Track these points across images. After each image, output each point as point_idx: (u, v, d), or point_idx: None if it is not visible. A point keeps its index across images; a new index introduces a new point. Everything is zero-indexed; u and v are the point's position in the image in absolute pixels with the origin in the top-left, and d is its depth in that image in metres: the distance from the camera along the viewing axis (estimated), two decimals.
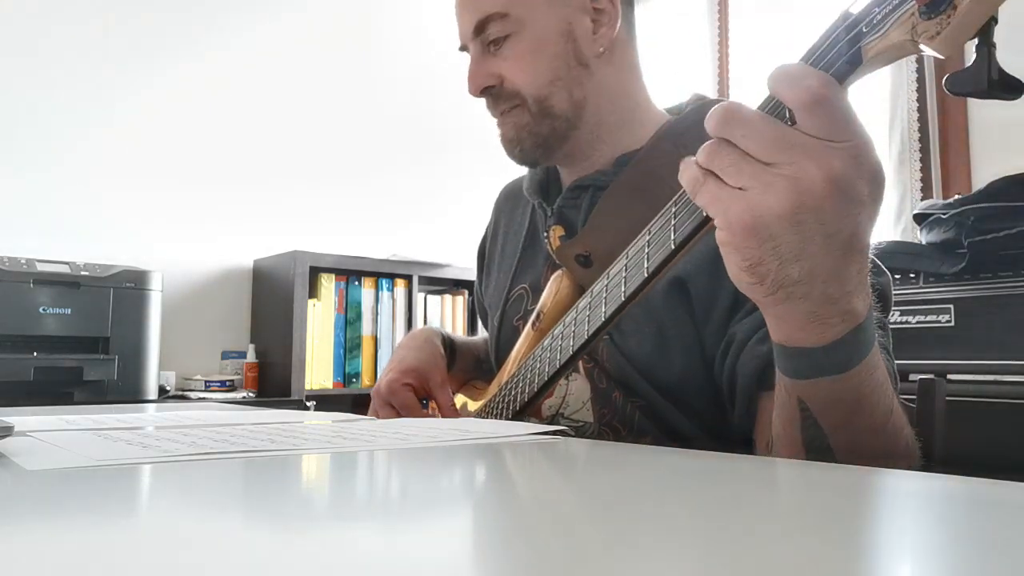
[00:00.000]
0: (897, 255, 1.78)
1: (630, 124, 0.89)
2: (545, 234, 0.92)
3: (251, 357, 2.42)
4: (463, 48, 0.91)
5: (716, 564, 0.24)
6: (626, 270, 0.64)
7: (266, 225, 2.57)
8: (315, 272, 2.43)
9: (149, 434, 0.59)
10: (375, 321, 2.54)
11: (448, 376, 0.98)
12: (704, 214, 0.53)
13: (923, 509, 0.36)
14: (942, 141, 2.40)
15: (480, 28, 0.87)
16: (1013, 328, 1.57)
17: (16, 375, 1.84)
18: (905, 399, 0.64)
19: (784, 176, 0.46)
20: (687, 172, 0.52)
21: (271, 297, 2.47)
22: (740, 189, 0.48)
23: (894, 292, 0.77)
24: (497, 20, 0.85)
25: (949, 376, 1.60)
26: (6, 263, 1.88)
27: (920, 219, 1.87)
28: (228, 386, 2.30)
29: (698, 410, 0.78)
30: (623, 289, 0.64)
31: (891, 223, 2.35)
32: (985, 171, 2.21)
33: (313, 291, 2.43)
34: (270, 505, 0.36)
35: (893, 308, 0.76)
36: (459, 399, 1.02)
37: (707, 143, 0.50)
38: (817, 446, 0.56)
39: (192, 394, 2.24)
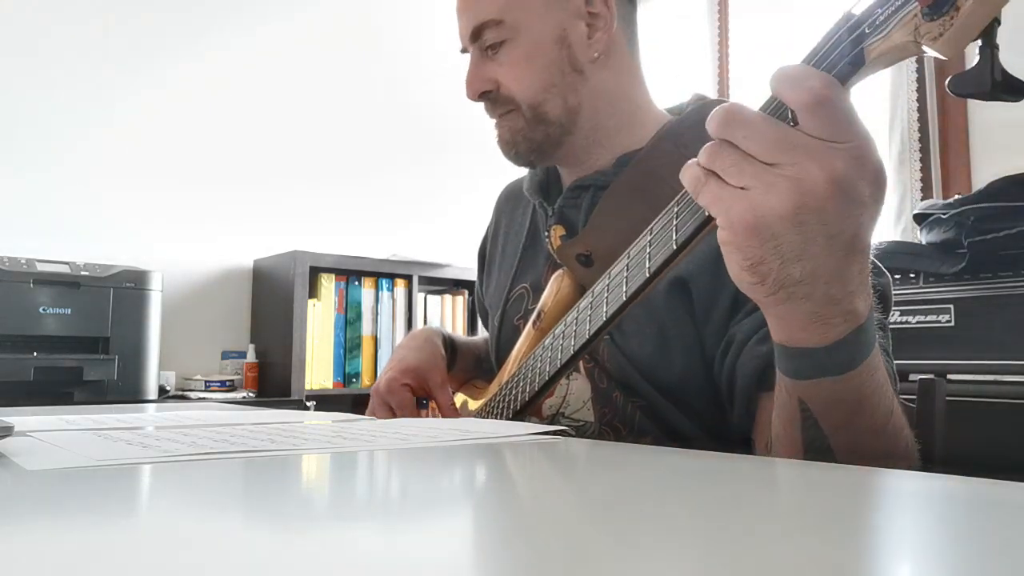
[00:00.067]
0: (897, 255, 1.78)
1: (629, 126, 0.89)
2: (546, 234, 0.92)
3: (251, 357, 2.42)
4: (464, 50, 0.91)
5: (716, 564, 0.24)
6: (627, 270, 0.64)
7: (266, 225, 2.57)
8: (315, 272, 2.43)
9: (149, 434, 0.59)
10: (375, 321, 2.54)
11: (448, 376, 0.98)
12: (706, 214, 0.54)
13: (923, 509, 0.36)
14: (942, 141, 2.40)
15: (477, 34, 0.87)
16: (1013, 328, 1.57)
17: (16, 375, 1.84)
18: (905, 399, 0.64)
19: (786, 176, 0.46)
20: (688, 172, 0.52)
21: (271, 297, 2.47)
22: (742, 189, 0.48)
23: (894, 292, 0.77)
24: (492, 27, 0.86)
25: (949, 376, 1.60)
26: (6, 263, 1.88)
27: (920, 219, 1.87)
28: (228, 386, 2.30)
29: (698, 410, 0.78)
30: (624, 289, 0.64)
31: (891, 223, 2.36)
32: (985, 171, 2.21)
33: (313, 291, 2.43)
34: (270, 505, 0.36)
35: (893, 308, 0.76)
36: (459, 398, 1.02)
37: (709, 144, 0.50)
38: (817, 447, 0.56)
39: (192, 394, 2.24)
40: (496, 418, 0.88)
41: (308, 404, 2.28)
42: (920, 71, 2.43)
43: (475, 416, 0.96)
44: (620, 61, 0.89)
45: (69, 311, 1.92)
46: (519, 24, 0.85)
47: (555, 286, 0.85)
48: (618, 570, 0.23)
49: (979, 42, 0.43)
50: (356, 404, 2.45)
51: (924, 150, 2.41)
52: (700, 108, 0.88)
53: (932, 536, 0.31)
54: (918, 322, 1.71)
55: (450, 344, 1.04)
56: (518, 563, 0.25)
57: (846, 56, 0.47)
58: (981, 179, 2.17)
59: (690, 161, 0.52)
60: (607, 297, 0.68)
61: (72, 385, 1.92)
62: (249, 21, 2.59)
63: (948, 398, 0.82)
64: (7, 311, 1.86)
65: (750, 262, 0.49)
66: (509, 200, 1.09)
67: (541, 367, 0.79)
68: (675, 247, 0.58)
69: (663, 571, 0.24)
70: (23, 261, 1.91)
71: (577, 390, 0.84)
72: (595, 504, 0.36)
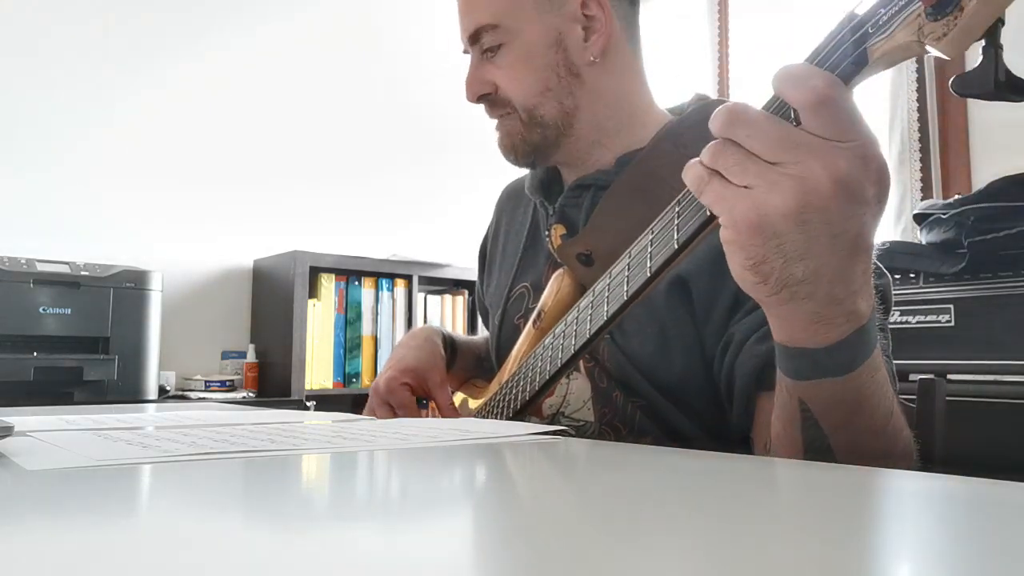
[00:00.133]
0: (897, 255, 1.78)
1: (629, 127, 0.89)
2: (546, 233, 0.92)
3: (251, 357, 2.42)
4: (466, 50, 0.91)
5: (716, 564, 0.24)
6: (628, 269, 0.64)
7: (266, 225, 2.57)
8: (315, 272, 2.43)
9: (149, 434, 0.59)
10: (375, 321, 2.54)
11: (448, 375, 0.98)
12: (708, 213, 0.54)
13: (923, 509, 0.36)
14: (942, 141, 2.40)
15: (475, 37, 0.88)
16: (1013, 328, 1.57)
17: (16, 375, 1.84)
18: (905, 399, 0.64)
19: (790, 176, 0.46)
20: (691, 171, 0.52)
21: (271, 297, 2.47)
22: (745, 188, 0.48)
23: (894, 292, 0.77)
24: (489, 30, 0.86)
25: (949, 376, 1.60)
26: (6, 263, 1.88)
27: (920, 219, 1.87)
28: (228, 386, 2.30)
29: (699, 410, 0.78)
30: (625, 288, 0.64)
31: (891, 223, 2.36)
32: (985, 171, 2.21)
33: (313, 291, 2.43)
34: (270, 505, 0.36)
35: (893, 308, 0.76)
36: (459, 398, 1.02)
37: (712, 143, 0.50)
38: (817, 447, 0.56)
39: (192, 394, 2.24)
40: (496, 417, 0.88)
41: (308, 404, 2.28)
42: (920, 71, 2.43)
43: (475, 415, 0.96)
44: (619, 63, 0.89)
45: (69, 311, 1.92)
46: (514, 28, 0.86)
47: (555, 285, 0.85)
48: (618, 570, 0.23)
49: (983, 42, 0.43)
50: (356, 404, 2.45)
51: (924, 150, 2.41)
52: (701, 108, 0.88)
53: (932, 536, 0.31)
54: (918, 322, 1.71)
55: (450, 343, 1.04)
56: (518, 563, 0.25)
57: (849, 56, 0.47)
58: (981, 179, 2.17)
59: (692, 160, 0.52)
60: (608, 296, 0.68)
61: (72, 385, 1.92)
62: (249, 21, 2.59)
63: (948, 398, 0.82)
64: (7, 311, 1.86)
65: (753, 261, 0.49)
66: (510, 199, 1.09)
67: (541, 366, 0.79)
68: (676, 247, 0.58)
69: (663, 571, 0.24)
70: (23, 261, 1.91)
71: (577, 390, 0.84)
72: (595, 504, 0.36)
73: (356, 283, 2.52)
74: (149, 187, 2.37)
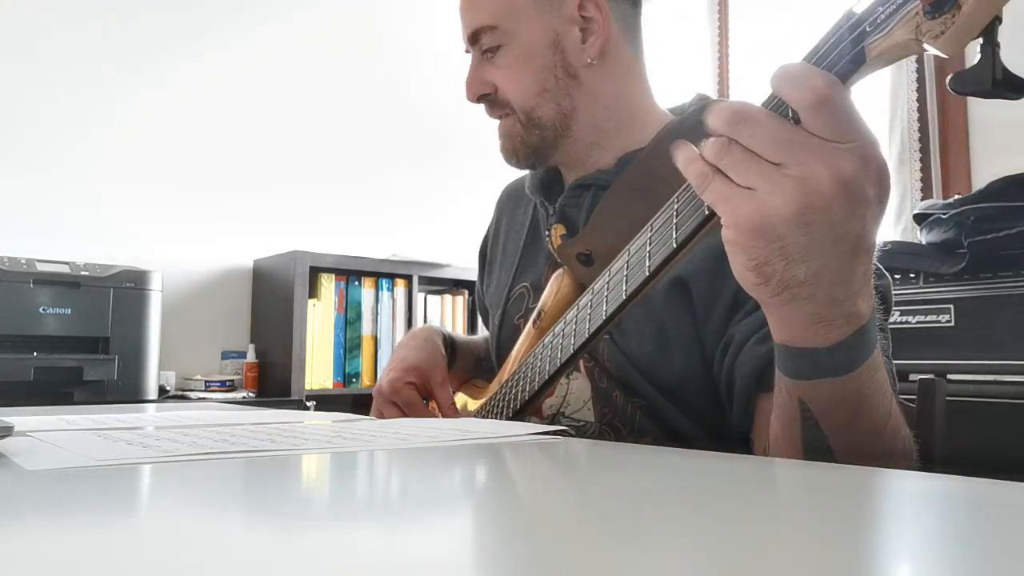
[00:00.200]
0: (897, 255, 1.78)
1: (630, 127, 0.89)
2: (547, 233, 0.92)
3: (251, 357, 2.42)
4: (467, 50, 0.92)
5: (716, 564, 0.24)
6: (627, 268, 0.64)
7: (266, 225, 2.57)
8: (315, 272, 2.43)
9: (149, 434, 0.59)
10: (375, 321, 2.54)
11: (449, 375, 0.98)
12: (707, 212, 0.54)
13: (923, 509, 0.36)
14: (942, 141, 2.40)
15: (475, 38, 0.88)
16: (1013, 328, 1.57)
17: (16, 375, 1.84)
18: (905, 399, 0.64)
19: (792, 177, 0.46)
20: (693, 166, 0.51)
21: (271, 297, 2.47)
22: (748, 189, 0.48)
23: (894, 292, 0.77)
24: (488, 31, 0.87)
25: (949, 376, 1.60)
26: (6, 263, 1.88)
27: (920, 219, 1.87)
28: (228, 386, 2.30)
29: (698, 410, 0.78)
30: (624, 288, 0.64)
31: (891, 223, 2.36)
32: (985, 171, 2.21)
33: (313, 291, 2.43)
34: (270, 505, 0.36)
35: (893, 308, 0.76)
36: (459, 398, 1.02)
37: (715, 139, 0.50)
38: (817, 447, 0.56)
39: (192, 394, 2.24)
40: (496, 417, 0.88)
41: (308, 404, 2.28)
42: (920, 71, 2.43)
43: (475, 415, 0.96)
44: (618, 64, 0.89)
45: (69, 311, 1.92)
46: (513, 29, 0.86)
47: (555, 285, 0.85)
48: (618, 570, 0.23)
49: (980, 40, 0.43)
50: (356, 404, 2.45)
51: (924, 150, 2.41)
52: (702, 108, 0.88)
53: (932, 536, 0.31)
54: (918, 322, 1.71)
55: (450, 343, 1.04)
56: (518, 563, 0.25)
57: (847, 54, 0.47)
58: (981, 179, 2.17)
59: (691, 152, 0.52)
60: (607, 295, 0.68)
61: (72, 385, 1.92)
62: (249, 21, 2.59)
63: (948, 398, 0.82)
64: (7, 311, 1.86)
65: (755, 262, 0.49)
66: (511, 199, 1.09)
67: (541, 366, 0.79)
68: (675, 245, 0.58)
69: (663, 571, 0.24)
70: (23, 261, 1.91)
71: (577, 390, 0.84)
72: (595, 504, 0.36)
73: (356, 283, 2.52)
74: (149, 187, 2.37)
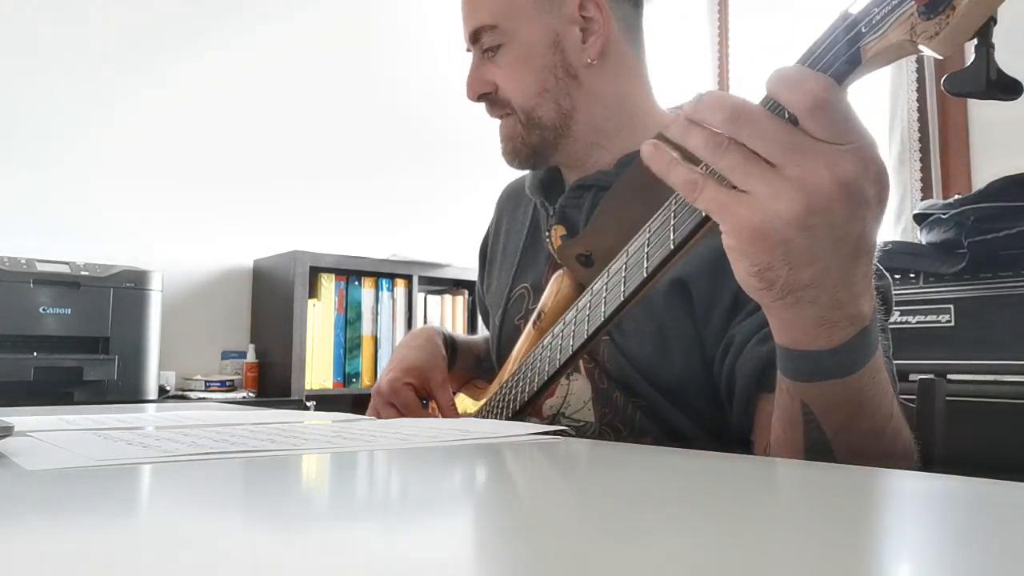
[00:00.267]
0: (897, 255, 1.78)
1: (630, 128, 0.89)
2: (547, 233, 0.92)
3: (251, 357, 2.42)
4: (469, 50, 0.92)
5: (716, 564, 0.24)
6: (626, 269, 0.64)
7: (266, 225, 2.57)
8: (315, 272, 2.43)
9: (149, 434, 0.59)
10: (375, 321, 2.54)
11: (449, 375, 0.98)
12: (703, 214, 0.53)
13: (923, 509, 0.36)
14: (942, 141, 2.40)
15: (475, 37, 0.88)
16: (1013, 328, 1.57)
17: (16, 375, 1.84)
18: (905, 399, 0.64)
19: (792, 179, 0.46)
20: (677, 174, 0.51)
21: (271, 297, 2.47)
22: (745, 193, 0.48)
23: (894, 292, 0.77)
24: (488, 31, 0.87)
25: (949, 376, 1.60)
26: (6, 263, 1.88)
27: (920, 219, 1.87)
28: (228, 386, 2.30)
29: (698, 410, 0.78)
30: (623, 289, 0.64)
31: (891, 223, 2.36)
32: (985, 171, 2.21)
33: (313, 291, 2.43)
34: (270, 505, 0.36)
35: (893, 308, 0.76)
36: (460, 398, 1.02)
37: (711, 139, 0.49)
38: (819, 448, 0.56)
39: (192, 394, 2.24)
40: (496, 418, 0.88)
41: (308, 404, 2.28)
42: (920, 71, 2.43)
43: (475, 416, 0.96)
44: (619, 65, 0.89)
45: (69, 311, 1.92)
46: (513, 29, 0.86)
47: (555, 286, 0.85)
48: (618, 570, 0.23)
49: (975, 41, 0.43)
50: (356, 404, 2.45)
51: (924, 150, 2.41)
52: None
53: (932, 536, 0.31)
54: (918, 322, 1.71)
55: (450, 343, 1.04)
56: (518, 563, 0.25)
57: (842, 56, 0.47)
58: (981, 179, 2.17)
59: (669, 156, 0.51)
60: (606, 297, 0.68)
61: (72, 385, 1.92)
62: (249, 21, 2.59)
63: (948, 398, 0.82)
64: (7, 311, 1.86)
65: (758, 268, 0.49)
66: (511, 199, 1.09)
67: (541, 366, 0.79)
68: (672, 247, 0.58)
69: (663, 571, 0.24)
70: (23, 261, 1.91)
71: (578, 390, 0.84)
72: (595, 504, 0.36)
73: (356, 283, 2.52)
74: (149, 187, 2.36)
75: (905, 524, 0.33)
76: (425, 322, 2.62)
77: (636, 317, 0.78)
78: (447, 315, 2.71)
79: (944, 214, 1.76)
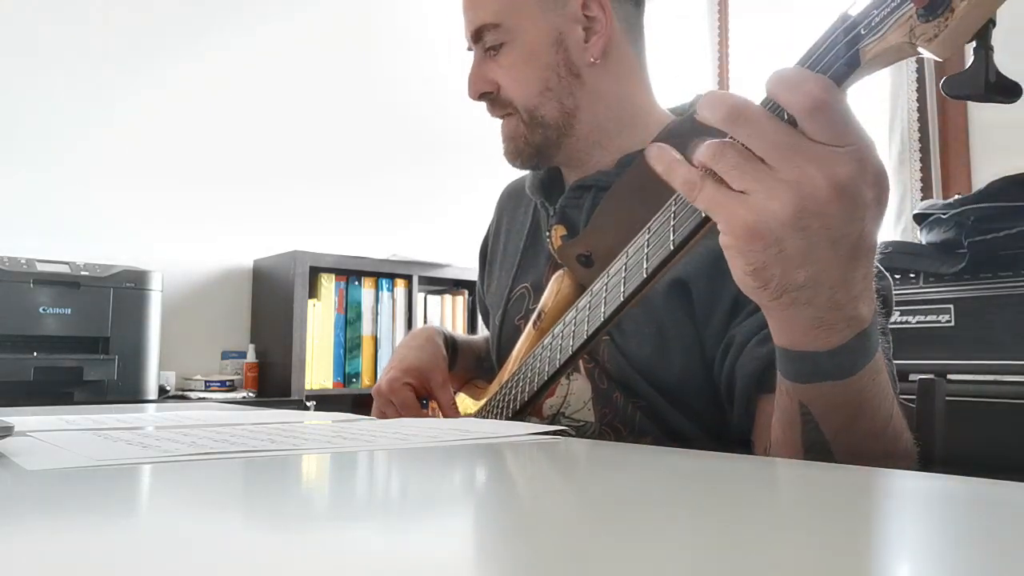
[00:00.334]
0: (897, 255, 1.78)
1: (631, 128, 0.89)
2: (547, 233, 0.92)
3: (251, 357, 2.42)
4: (470, 48, 0.92)
5: (716, 564, 0.24)
6: (626, 269, 0.64)
7: (266, 225, 2.57)
8: (315, 272, 2.43)
9: (149, 434, 0.59)
10: (375, 321, 2.54)
11: (450, 375, 0.98)
12: (703, 215, 0.53)
13: (923, 509, 0.36)
14: (942, 141, 2.40)
15: (477, 35, 0.88)
16: (1013, 328, 1.57)
17: (16, 375, 1.84)
18: (905, 399, 0.64)
19: (787, 181, 0.46)
20: (679, 172, 0.51)
21: (271, 297, 2.47)
22: (742, 193, 0.48)
23: (894, 292, 0.77)
24: (491, 29, 0.87)
25: (949, 376, 1.60)
26: (6, 263, 1.88)
27: (920, 219, 1.87)
28: (228, 386, 2.30)
29: (698, 411, 0.78)
30: (622, 289, 0.64)
31: (891, 223, 2.36)
32: (985, 171, 2.21)
33: (313, 291, 2.43)
34: (270, 505, 0.36)
35: (893, 309, 0.76)
36: (460, 398, 1.02)
37: (709, 143, 0.50)
38: (818, 450, 0.56)
39: (192, 394, 2.24)
40: (496, 418, 0.88)
41: (308, 404, 2.28)
42: (920, 71, 2.43)
43: (475, 415, 0.96)
44: (622, 63, 0.89)
45: (69, 311, 1.92)
46: (516, 28, 0.86)
47: (555, 286, 0.85)
48: (618, 570, 0.23)
49: (974, 43, 0.43)
50: (356, 404, 2.45)
51: (924, 150, 2.41)
52: None
53: (932, 536, 0.31)
54: (918, 322, 1.71)
55: (451, 343, 1.04)
56: (518, 563, 0.25)
57: (842, 57, 0.47)
58: (981, 179, 2.17)
59: (672, 157, 0.51)
60: (605, 297, 0.68)
61: (72, 385, 1.92)
62: (249, 21, 2.59)
63: (948, 398, 0.82)
64: (7, 311, 1.86)
65: (753, 267, 0.49)
66: (511, 199, 1.09)
67: (541, 366, 0.79)
68: (672, 248, 0.58)
69: (663, 571, 0.24)
70: (23, 261, 1.91)
71: (578, 390, 0.84)
72: (595, 504, 0.36)
73: (356, 283, 2.52)
74: (149, 187, 2.37)
75: (905, 524, 0.33)
76: (425, 322, 2.62)
77: (636, 317, 0.78)
78: (447, 315, 2.71)
79: (944, 214, 1.76)
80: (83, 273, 1.96)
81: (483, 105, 0.92)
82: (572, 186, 0.92)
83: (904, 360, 1.57)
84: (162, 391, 2.15)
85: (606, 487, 0.41)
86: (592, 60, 0.86)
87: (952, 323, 1.66)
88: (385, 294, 2.56)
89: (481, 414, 0.94)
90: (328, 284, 2.46)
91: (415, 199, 2.88)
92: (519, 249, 1.00)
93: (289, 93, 2.64)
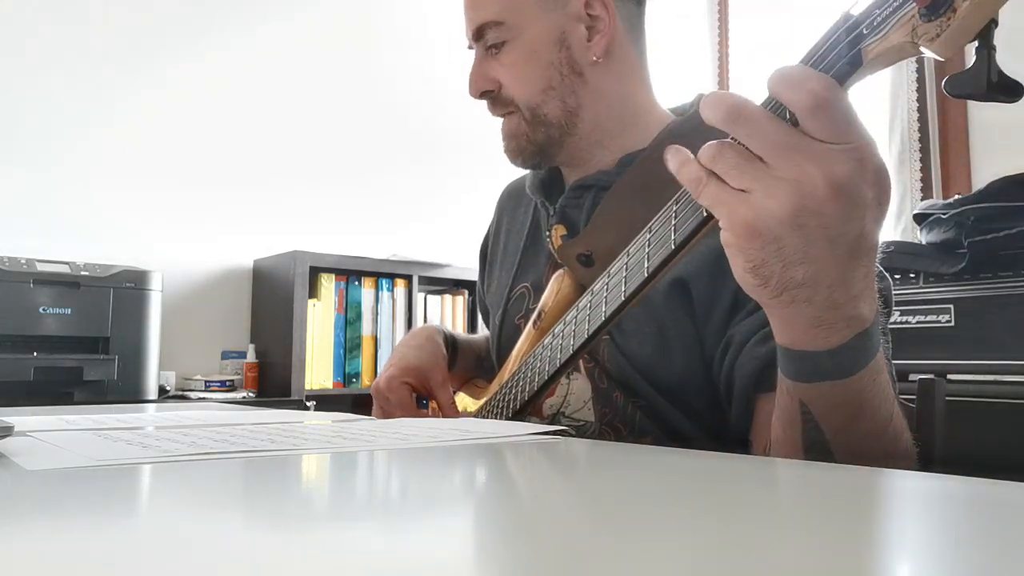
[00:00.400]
0: (897, 255, 1.78)
1: (632, 127, 0.89)
2: (547, 233, 0.92)
3: (251, 357, 2.42)
4: (471, 46, 0.91)
5: (716, 564, 0.24)
6: (627, 269, 0.64)
7: (266, 225, 2.57)
8: (315, 272, 2.43)
9: (149, 434, 0.59)
10: (375, 321, 2.54)
11: (450, 374, 0.98)
12: (704, 214, 0.54)
13: (923, 509, 0.36)
14: (942, 141, 2.40)
15: (479, 33, 0.88)
16: (1013, 328, 1.57)
17: (16, 375, 1.84)
18: (905, 399, 0.64)
19: (786, 179, 0.46)
20: (687, 170, 0.51)
21: (271, 297, 2.47)
22: (742, 191, 0.48)
23: (894, 292, 0.77)
24: (493, 27, 0.86)
25: (949, 376, 1.60)
26: (6, 263, 1.88)
27: (920, 219, 1.87)
28: (228, 386, 2.30)
29: (698, 410, 0.78)
30: (623, 289, 0.64)
31: (891, 223, 2.36)
32: (985, 171, 2.21)
33: (313, 291, 2.43)
34: (270, 505, 0.36)
35: (893, 309, 0.76)
36: (460, 397, 1.02)
37: (709, 143, 0.50)
38: (817, 449, 0.56)
39: (192, 394, 2.24)
40: (496, 417, 0.88)
41: (308, 404, 2.28)
42: (920, 71, 2.44)
43: (475, 415, 0.96)
44: (624, 63, 0.89)
45: (69, 311, 1.92)
46: (518, 26, 0.86)
47: (556, 286, 0.85)
48: (618, 570, 0.23)
49: (976, 43, 0.43)
50: (356, 404, 2.45)
51: (924, 150, 2.41)
52: None
53: (932, 536, 0.31)
54: (918, 322, 1.71)
55: (451, 342, 1.04)
56: (518, 563, 0.25)
57: (844, 57, 0.47)
58: (981, 179, 2.17)
59: (686, 156, 0.52)
60: (606, 296, 0.68)
61: (72, 385, 1.92)
62: (249, 21, 2.59)
63: (948, 398, 0.82)
64: (7, 311, 1.85)
65: (752, 264, 0.49)
66: (511, 198, 1.09)
67: (541, 366, 0.79)
68: (674, 246, 0.58)
69: (663, 571, 0.24)
70: (23, 261, 1.91)
71: (578, 390, 0.84)
72: (595, 504, 0.36)
73: (356, 283, 2.52)
74: (149, 187, 2.36)
75: (905, 524, 0.33)
76: (425, 322, 2.62)
77: (636, 317, 0.78)
78: (447, 315, 2.71)
79: (944, 214, 1.76)
80: (83, 273, 1.96)
81: (483, 104, 0.91)
82: (572, 186, 0.92)
83: (904, 360, 1.58)
84: (162, 391, 2.15)
85: (606, 487, 0.41)
86: (595, 59, 0.86)
87: (952, 323, 1.66)
88: (385, 294, 2.56)
89: (481, 414, 0.94)
90: (328, 284, 2.46)
91: (415, 199, 2.88)
92: (519, 249, 1.00)
93: (289, 93, 2.64)
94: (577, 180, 0.91)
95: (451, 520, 0.33)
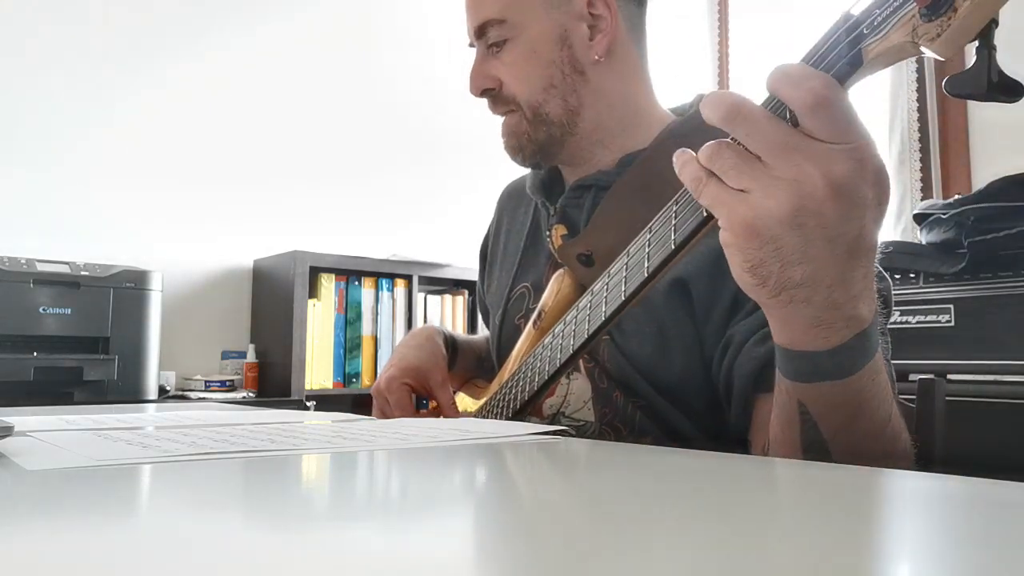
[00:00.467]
0: (897, 255, 1.78)
1: (633, 127, 0.89)
2: (547, 233, 0.92)
3: (251, 357, 2.42)
4: (472, 44, 0.91)
5: (716, 564, 0.24)
6: (627, 269, 0.64)
7: (266, 225, 2.57)
8: (315, 272, 2.43)
9: (149, 434, 0.59)
10: (375, 321, 2.54)
11: (450, 375, 0.98)
12: (704, 214, 0.54)
13: (923, 509, 0.36)
14: (942, 141, 2.40)
15: (481, 31, 0.88)
16: (1013, 328, 1.57)
17: (16, 375, 1.84)
18: (905, 399, 0.64)
19: (784, 179, 0.46)
20: (688, 170, 0.52)
21: (271, 297, 2.47)
22: (741, 191, 0.48)
23: (894, 292, 0.77)
24: (495, 25, 0.86)
25: (949, 376, 1.60)
26: (6, 263, 1.88)
27: (920, 219, 1.87)
28: (228, 386, 2.30)
29: (698, 410, 0.78)
30: (623, 288, 0.64)
31: (891, 223, 2.36)
32: (985, 171, 2.21)
33: (313, 291, 2.43)
34: (270, 505, 0.36)
35: (893, 309, 0.76)
36: (460, 397, 1.02)
37: (709, 143, 0.50)
38: (816, 449, 0.56)
39: (192, 394, 2.24)
40: (496, 417, 0.88)
41: (308, 404, 2.28)
42: (920, 71, 2.44)
43: (475, 415, 0.96)
44: (624, 63, 0.89)
45: (69, 311, 1.92)
46: (520, 24, 0.86)
47: (556, 286, 0.85)
48: (618, 570, 0.23)
49: (976, 43, 0.43)
50: (356, 404, 2.45)
51: (924, 150, 2.41)
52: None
53: (932, 536, 0.31)
54: (918, 322, 1.71)
55: (451, 343, 1.04)
56: (518, 563, 0.25)
57: (844, 56, 0.47)
58: (981, 179, 2.17)
59: (689, 156, 0.52)
60: (606, 296, 0.68)
61: (72, 385, 1.92)
62: (249, 21, 2.59)
63: (948, 398, 0.82)
64: (7, 311, 1.85)
65: (751, 264, 0.49)
66: (511, 198, 1.09)
67: (541, 366, 0.79)
68: (674, 246, 0.58)
69: (663, 571, 0.24)
70: (23, 261, 1.91)
71: (578, 390, 0.84)
72: (595, 504, 0.36)
73: (356, 283, 2.52)
74: (149, 187, 2.36)
75: (905, 524, 0.33)
76: (425, 322, 2.62)
77: (636, 317, 0.78)
78: (447, 315, 2.71)
79: (944, 214, 1.76)
80: (83, 273, 1.96)
81: (484, 104, 0.91)
82: (572, 185, 0.92)
83: (904, 360, 1.58)
84: (162, 391, 2.15)
85: (606, 487, 0.41)
86: (596, 58, 0.86)
87: (952, 323, 1.66)
88: (385, 294, 2.56)
89: (481, 413, 0.94)
90: (328, 284, 2.46)
91: (415, 199, 2.88)
92: (519, 249, 1.00)
93: (289, 93, 2.64)
94: (577, 180, 0.91)
95: (451, 520, 0.33)
